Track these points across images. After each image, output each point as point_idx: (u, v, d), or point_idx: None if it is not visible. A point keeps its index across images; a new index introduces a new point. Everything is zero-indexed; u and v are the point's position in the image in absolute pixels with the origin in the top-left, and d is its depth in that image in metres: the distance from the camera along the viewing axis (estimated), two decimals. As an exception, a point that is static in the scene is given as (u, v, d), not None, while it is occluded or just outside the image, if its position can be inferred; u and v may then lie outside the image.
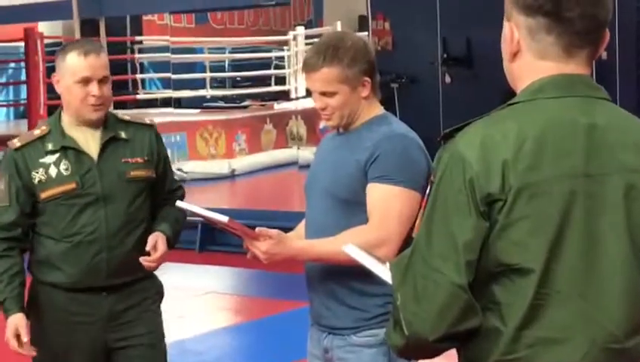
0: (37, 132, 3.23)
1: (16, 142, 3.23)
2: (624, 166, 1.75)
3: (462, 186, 1.70)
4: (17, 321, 3.11)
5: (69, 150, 3.19)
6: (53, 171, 3.18)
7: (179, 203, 3.07)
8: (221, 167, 12.42)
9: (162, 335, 3.42)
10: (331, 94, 2.80)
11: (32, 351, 3.14)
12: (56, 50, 12.55)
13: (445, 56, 11.51)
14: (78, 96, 3.14)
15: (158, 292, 3.43)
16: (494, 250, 1.70)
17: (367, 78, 2.81)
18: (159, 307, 3.42)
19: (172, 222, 3.33)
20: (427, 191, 1.79)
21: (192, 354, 5.65)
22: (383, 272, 2.21)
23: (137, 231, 3.25)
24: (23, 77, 13.00)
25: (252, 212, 8.84)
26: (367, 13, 11.78)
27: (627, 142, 1.77)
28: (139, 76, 15.33)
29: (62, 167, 3.18)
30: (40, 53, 12.28)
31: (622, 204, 1.74)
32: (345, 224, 2.77)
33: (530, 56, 1.80)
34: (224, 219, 2.72)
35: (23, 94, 13.41)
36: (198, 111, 14.74)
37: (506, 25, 1.82)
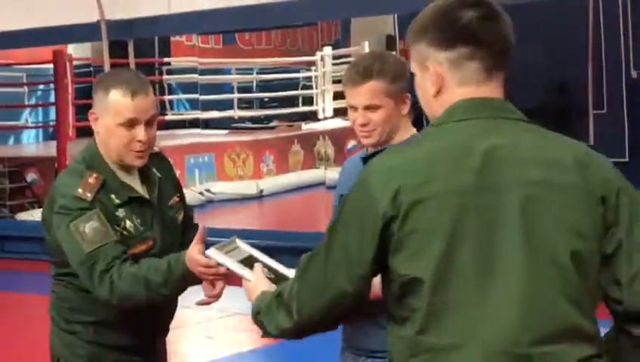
0: (90, 180, 2.82)
1: (87, 193, 2.80)
2: (524, 180, 1.82)
3: (363, 206, 1.84)
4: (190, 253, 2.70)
5: (134, 201, 2.87)
6: (130, 226, 2.85)
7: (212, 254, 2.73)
8: (249, 187, 12.43)
9: None
10: (375, 108, 2.77)
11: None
12: (84, 71, 12.41)
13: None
14: (122, 141, 2.80)
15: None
16: (395, 262, 1.82)
17: (408, 95, 2.79)
18: None
19: None
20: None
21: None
22: (280, 266, 2.42)
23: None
24: (52, 99, 13.05)
25: (279, 233, 8.82)
26: (395, 33, 11.78)
27: (530, 158, 1.84)
28: (167, 97, 15.36)
29: (135, 220, 2.86)
30: (69, 75, 12.34)
31: (518, 215, 1.80)
32: None
33: (453, 85, 1.89)
34: (290, 273, 2.43)
35: (52, 116, 13.45)
36: (225, 132, 14.74)
37: (424, 69, 1.92)
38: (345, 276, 1.85)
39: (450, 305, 1.79)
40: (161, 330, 3.10)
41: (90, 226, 2.78)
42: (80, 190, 2.80)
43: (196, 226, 2.97)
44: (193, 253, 2.68)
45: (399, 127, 2.82)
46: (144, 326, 2.98)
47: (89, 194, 2.80)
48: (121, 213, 2.84)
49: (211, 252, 2.56)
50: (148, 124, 2.83)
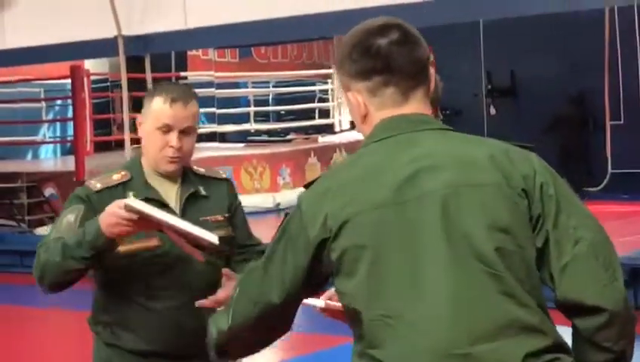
0: (115, 176, 2.94)
1: (96, 184, 2.93)
2: (442, 184, 1.88)
3: (298, 229, 1.93)
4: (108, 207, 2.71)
5: (152, 202, 2.85)
6: None
7: None
8: (266, 200, 12.42)
9: None
10: None
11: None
12: (101, 86, 12.48)
13: (489, 87, 11.46)
14: (157, 145, 2.90)
15: None
16: (337, 284, 1.92)
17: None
18: None
19: None
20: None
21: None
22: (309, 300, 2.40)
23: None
24: (70, 114, 13.07)
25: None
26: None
27: (447, 163, 1.91)
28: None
29: None
30: (86, 90, 12.38)
31: (440, 219, 1.86)
32: None
33: (373, 111, 1.98)
34: (319, 303, 2.51)
35: (70, 131, 13.46)
36: (242, 145, 14.75)
37: (348, 95, 2.02)
38: (277, 290, 1.97)
39: (386, 319, 1.84)
40: (184, 345, 2.95)
41: (67, 219, 2.87)
42: (93, 181, 2.96)
43: (248, 247, 3.10)
44: (111, 205, 2.71)
45: None
46: (163, 333, 2.93)
47: (99, 185, 2.93)
48: None
49: (130, 200, 2.70)
50: (183, 132, 2.91)
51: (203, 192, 3.01)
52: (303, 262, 1.93)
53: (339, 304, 2.62)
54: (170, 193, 2.98)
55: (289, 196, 12.86)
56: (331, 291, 2.61)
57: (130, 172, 2.97)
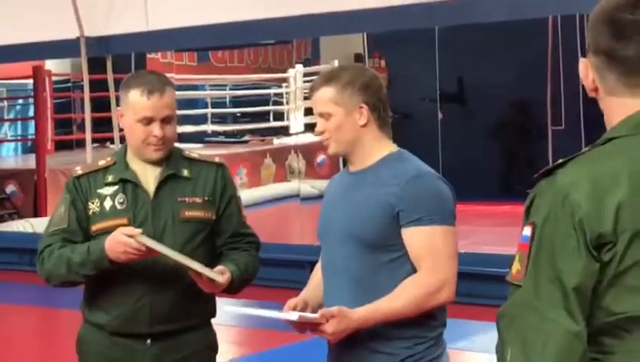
0: (102, 162, 2.99)
1: (78, 170, 3.00)
2: None
3: (570, 228, 1.51)
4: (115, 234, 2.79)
5: (128, 183, 2.92)
6: (107, 204, 2.91)
7: (232, 309, 2.85)
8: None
9: None
10: (327, 116, 2.66)
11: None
12: (63, 86, 12.35)
13: (439, 94, 11.49)
14: (140, 136, 2.89)
15: (211, 346, 3.06)
16: (606, 296, 1.52)
17: (363, 105, 2.64)
18: (211, 361, 3.08)
19: (241, 266, 2.93)
20: (527, 235, 1.58)
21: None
22: (283, 314, 2.38)
23: (188, 276, 2.82)
24: (31, 113, 12.95)
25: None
26: (364, 51, 11.74)
27: None
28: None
29: (118, 200, 2.92)
30: (48, 90, 12.23)
31: None
32: (372, 267, 2.60)
33: (614, 97, 1.65)
34: (293, 317, 2.52)
35: (31, 130, 13.33)
36: (200, 145, 14.62)
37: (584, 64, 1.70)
38: (566, 314, 1.52)
39: None
40: (154, 325, 2.93)
41: (59, 211, 2.98)
42: (77, 167, 3.04)
43: (251, 257, 3.02)
44: (117, 232, 2.79)
45: (366, 143, 2.67)
46: (135, 314, 2.91)
47: (80, 171, 3.00)
48: (107, 190, 2.94)
49: (141, 236, 2.75)
50: (164, 121, 2.90)
51: (186, 174, 2.98)
52: (587, 265, 1.54)
53: (312, 316, 2.58)
54: (151, 175, 2.96)
55: (246, 195, 12.79)
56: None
57: (115, 158, 2.99)
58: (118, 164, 2.97)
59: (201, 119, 15.16)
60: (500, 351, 1.56)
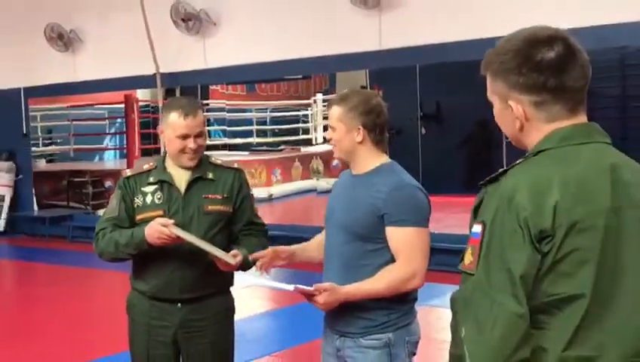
0: (146, 166, 2.89)
1: (127, 172, 2.90)
2: (633, 201, 1.41)
3: (516, 226, 1.34)
4: (153, 224, 2.68)
5: (165, 183, 2.82)
6: (149, 199, 2.81)
7: (242, 277, 2.64)
8: (262, 192, 12.25)
9: (227, 345, 2.91)
10: (333, 129, 2.53)
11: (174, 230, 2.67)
12: (146, 109, 12.25)
13: (421, 114, 11.26)
14: (178, 148, 2.77)
15: (229, 308, 2.93)
16: (544, 281, 1.35)
17: (361, 127, 2.48)
18: (229, 321, 2.93)
19: (250, 249, 2.81)
20: (477, 231, 1.41)
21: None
22: (282, 285, 2.25)
23: (209, 256, 2.72)
24: (124, 129, 12.91)
25: (284, 226, 8.57)
26: (367, 83, 11.58)
27: (633, 180, 1.42)
28: (206, 128, 15.13)
29: (156, 196, 2.81)
30: (136, 112, 12.15)
31: (638, 235, 1.39)
32: (358, 255, 2.46)
33: (539, 122, 1.46)
34: (290, 288, 2.36)
35: (124, 141, 13.31)
36: (247, 153, 14.59)
37: (505, 104, 1.48)
38: (512, 298, 1.36)
39: (597, 319, 1.36)
40: (185, 291, 2.79)
41: (112, 203, 2.87)
42: (127, 170, 2.93)
43: (259, 241, 2.88)
44: (154, 222, 2.68)
45: (362, 154, 2.51)
46: (169, 282, 2.78)
47: (128, 173, 2.90)
48: (148, 188, 2.83)
49: (174, 228, 2.66)
50: (197, 136, 2.78)
51: (210, 176, 2.85)
52: (531, 256, 1.39)
53: (307, 288, 2.39)
54: (183, 177, 2.84)
55: (279, 189, 12.81)
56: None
57: (157, 163, 2.89)
58: (159, 168, 2.88)
59: (248, 134, 15.11)
60: (455, 328, 1.40)
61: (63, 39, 10.32)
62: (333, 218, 2.57)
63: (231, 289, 2.97)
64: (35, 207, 11.48)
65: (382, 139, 2.53)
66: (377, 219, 2.42)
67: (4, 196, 11.46)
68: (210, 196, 2.84)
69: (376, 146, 2.52)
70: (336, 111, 2.51)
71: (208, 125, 15.32)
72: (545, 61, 1.40)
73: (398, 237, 2.41)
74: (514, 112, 1.46)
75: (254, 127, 15.24)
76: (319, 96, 14.87)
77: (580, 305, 1.34)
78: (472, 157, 12.25)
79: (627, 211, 1.38)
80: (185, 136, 2.77)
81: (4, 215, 11.40)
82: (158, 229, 2.67)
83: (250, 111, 15.96)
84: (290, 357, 5.24)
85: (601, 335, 1.35)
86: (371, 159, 2.52)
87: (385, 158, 2.55)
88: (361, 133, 2.49)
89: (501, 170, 1.46)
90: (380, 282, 2.40)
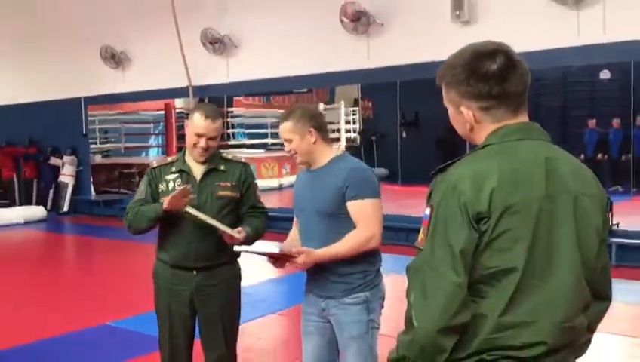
0: (169, 159, 2.84)
1: (154, 163, 2.86)
2: (568, 188, 1.35)
3: (457, 209, 1.30)
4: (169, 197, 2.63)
5: (184, 173, 2.77)
6: (170, 185, 2.77)
7: (236, 248, 2.58)
8: (274, 183, 12.26)
9: (235, 305, 2.85)
10: (289, 141, 2.46)
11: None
12: (182, 115, 12.17)
13: (403, 121, 11.21)
14: (192, 142, 2.72)
15: (236, 275, 2.86)
16: (482, 256, 1.30)
17: (312, 129, 2.43)
18: (237, 286, 2.86)
19: (252, 227, 2.76)
20: (427, 214, 1.36)
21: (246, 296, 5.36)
22: (269, 247, 2.14)
23: (219, 232, 2.69)
24: (164, 130, 12.93)
25: (290, 209, 8.54)
26: (359, 96, 11.56)
27: (568, 171, 1.37)
28: (230, 131, 15.14)
29: (177, 183, 2.77)
30: (173, 117, 12.16)
31: (571, 217, 1.34)
32: (332, 228, 2.42)
33: (487, 123, 1.41)
34: (275, 249, 2.33)
35: (164, 141, 13.33)
36: (263, 151, 14.56)
37: (458, 110, 1.43)
38: (452, 270, 1.32)
39: (529, 289, 1.31)
40: (199, 260, 2.75)
41: (140, 188, 2.84)
42: (154, 161, 2.86)
43: (260, 221, 2.82)
44: (177, 190, 2.64)
45: (318, 153, 2.45)
46: (186, 253, 2.73)
47: (155, 164, 2.84)
48: (171, 176, 2.78)
49: (189, 208, 2.60)
50: (210, 138, 2.71)
51: (222, 168, 2.80)
52: (469, 235, 1.34)
53: (289, 251, 2.34)
54: (199, 168, 2.78)
55: (287, 180, 12.80)
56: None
57: (178, 156, 2.83)
58: (180, 160, 2.82)
59: (264, 135, 15.06)
60: (407, 294, 1.36)
61: (114, 58, 10.52)
62: (306, 206, 2.49)
63: (238, 260, 2.93)
64: (93, 193, 11.60)
65: (327, 135, 2.49)
66: (341, 196, 2.39)
67: (68, 183, 11.63)
68: (222, 184, 2.79)
69: (326, 143, 2.47)
70: (287, 125, 2.43)
71: (232, 128, 15.31)
72: (489, 72, 1.36)
73: (359, 208, 2.38)
74: (465, 116, 1.43)
75: (269, 130, 15.20)
76: (321, 106, 14.81)
77: (514, 277, 1.29)
78: (443, 155, 12.19)
79: (563, 196, 1.34)
80: (200, 135, 2.71)
81: (68, 198, 11.55)
82: (174, 194, 2.64)
83: (266, 117, 15.94)
84: (292, 315, 5.23)
85: (536, 303, 1.30)
86: (325, 154, 2.46)
87: (334, 151, 2.49)
88: (314, 134, 2.43)
89: (450, 161, 1.42)
90: (345, 244, 2.37)
